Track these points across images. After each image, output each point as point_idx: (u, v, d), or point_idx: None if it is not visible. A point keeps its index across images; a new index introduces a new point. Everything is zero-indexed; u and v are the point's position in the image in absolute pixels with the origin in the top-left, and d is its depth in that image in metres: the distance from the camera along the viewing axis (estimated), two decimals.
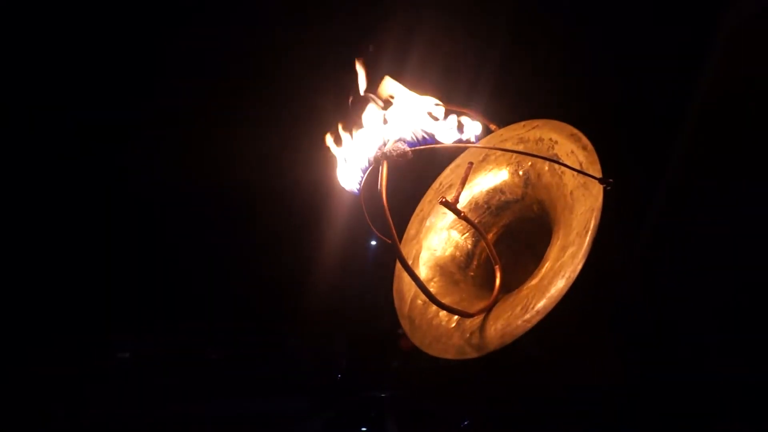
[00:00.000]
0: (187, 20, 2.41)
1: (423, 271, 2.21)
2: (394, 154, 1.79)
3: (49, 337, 2.42)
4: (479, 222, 2.24)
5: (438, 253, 2.23)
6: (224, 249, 2.60)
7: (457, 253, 2.22)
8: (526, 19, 2.37)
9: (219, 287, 2.62)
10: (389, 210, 2.33)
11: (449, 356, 1.84)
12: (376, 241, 2.20)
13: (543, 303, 1.68)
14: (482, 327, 1.84)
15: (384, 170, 1.79)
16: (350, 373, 2.56)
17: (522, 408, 2.03)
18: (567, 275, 1.65)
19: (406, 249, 2.29)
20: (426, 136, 1.86)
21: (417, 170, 2.44)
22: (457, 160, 2.33)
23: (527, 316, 1.69)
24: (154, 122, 2.49)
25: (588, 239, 1.65)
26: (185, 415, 2.39)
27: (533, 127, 2.09)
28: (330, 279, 2.56)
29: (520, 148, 2.11)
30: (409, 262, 2.31)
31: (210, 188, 2.58)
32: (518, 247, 2.21)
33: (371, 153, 1.87)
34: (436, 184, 2.35)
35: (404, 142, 1.82)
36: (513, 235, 2.22)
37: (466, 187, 2.28)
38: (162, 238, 2.56)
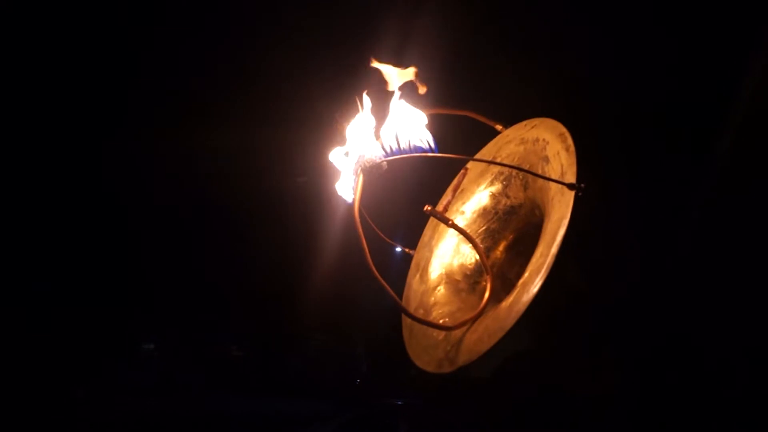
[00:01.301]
0: (184, 17, 2.50)
1: (431, 278, 2.17)
2: (368, 166, 1.78)
3: (74, 327, 2.64)
4: (488, 228, 2.15)
5: (446, 261, 2.17)
6: (251, 249, 2.70)
7: (466, 262, 2.14)
8: (554, 17, 2.23)
9: (244, 286, 2.72)
10: (399, 216, 2.32)
11: (430, 369, 1.79)
12: (401, 250, 2.19)
13: (509, 319, 1.58)
14: (461, 340, 1.77)
15: (359, 182, 1.79)
16: (370, 379, 2.56)
17: (537, 422, 1.93)
18: (530, 290, 1.55)
19: (418, 255, 2.26)
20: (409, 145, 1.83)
21: (439, 175, 2.40)
22: (468, 164, 2.26)
23: (494, 330, 1.61)
24: (176, 120, 2.62)
25: (552, 251, 1.53)
26: (206, 411, 2.53)
27: (532, 127, 1.97)
28: (355, 284, 2.58)
29: (521, 149, 2.00)
30: (419, 269, 2.31)
31: (235, 189, 2.69)
32: (530, 254, 2.09)
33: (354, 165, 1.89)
34: (449, 190, 2.30)
35: (382, 153, 1.81)
36: (524, 242, 2.09)
37: (476, 192, 2.20)
38: (188, 236, 2.69)
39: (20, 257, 2.67)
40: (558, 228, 1.55)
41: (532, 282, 1.55)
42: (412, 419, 2.53)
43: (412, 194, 2.58)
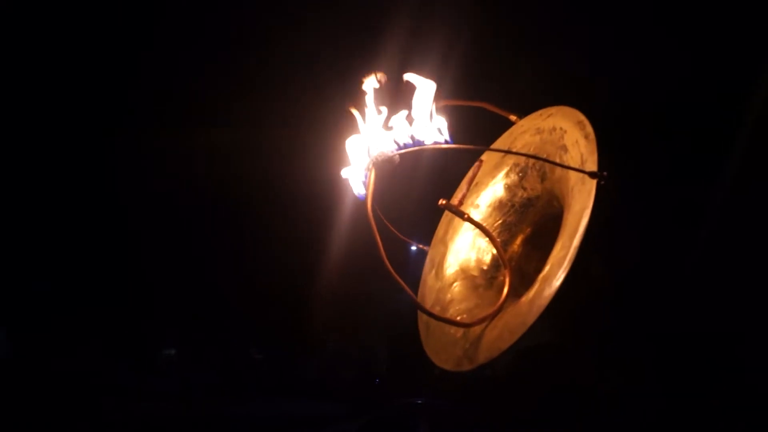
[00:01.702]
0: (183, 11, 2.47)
1: (446, 275, 2.11)
2: (380, 159, 1.73)
3: (94, 331, 2.62)
4: (504, 222, 2.10)
5: (462, 256, 2.11)
6: (264, 249, 2.66)
7: (483, 257, 2.09)
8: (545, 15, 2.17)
9: (263, 289, 2.68)
10: (411, 211, 2.27)
11: (448, 367, 1.74)
12: (416, 247, 2.13)
13: (530, 314, 1.53)
14: (480, 337, 1.71)
15: (371, 176, 1.73)
16: (390, 379, 2.52)
17: (556, 420, 1.87)
18: (552, 284, 1.49)
19: (433, 251, 2.21)
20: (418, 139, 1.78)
21: (449, 171, 2.34)
22: (483, 157, 2.20)
23: (515, 326, 1.56)
24: (178, 120, 2.59)
25: (575, 243, 1.47)
26: (225, 413, 2.49)
27: (548, 116, 1.91)
28: (371, 282, 2.54)
29: (537, 138, 1.94)
30: (435, 265, 2.25)
31: (251, 193, 2.65)
32: (548, 247, 2.03)
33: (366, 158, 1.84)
34: (463, 184, 2.24)
35: (395, 146, 1.76)
36: (542, 235, 2.03)
37: (490, 185, 2.14)
38: (203, 239, 2.66)
39: (20, 257, 2.65)
40: (580, 219, 1.49)
41: (554, 275, 1.49)
42: (432, 419, 2.49)
43: (425, 188, 2.53)
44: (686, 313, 1.70)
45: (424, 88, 1.72)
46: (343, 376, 2.63)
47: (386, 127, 1.74)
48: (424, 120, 1.69)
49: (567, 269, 1.45)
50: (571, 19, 2.15)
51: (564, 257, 1.49)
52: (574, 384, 1.68)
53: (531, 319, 1.49)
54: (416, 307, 1.76)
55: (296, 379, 2.67)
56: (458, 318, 1.88)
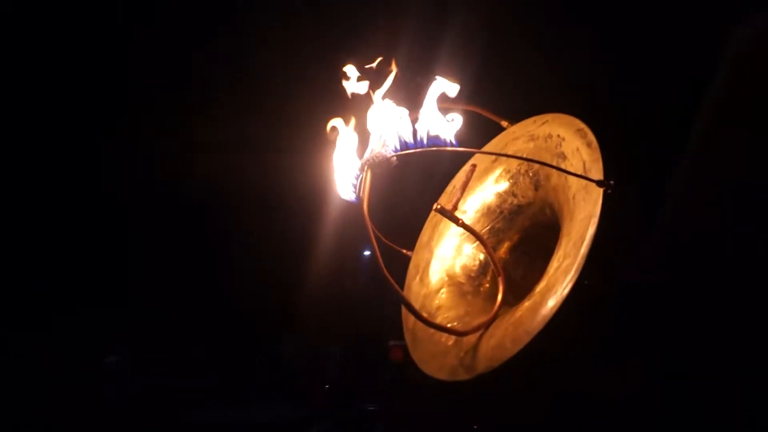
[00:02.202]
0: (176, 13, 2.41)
1: (432, 281, 2.07)
2: (377, 161, 1.67)
3: (40, 339, 2.52)
4: (492, 228, 2.07)
5: (448, 262, 2.07)
6: (220, 252, 2.60)
7: (469, 263, 2.05)
8: (546, 19, 2.18)
9: (213, 292, 2.62)
10: (404, 215, 2.22)
11: (442, 376, 1.69)
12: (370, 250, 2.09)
13: (534, 323, 1.50)
14: (476, 346, 1.67)
15: (367, 178, 1.68)
16: (341, 384, 2.48)
17: (523, 420, 1.85)
18: (558, 292, 1.47)
19: (417, 256, 2.16)
20: (415, 140, 1.74)
21: (430, 173, 2.31)
22: (473, 160, 2.17)
23: (518, 336, 1.53)
24: (175, 121, 2.52)
25: (582, 251, 1.46)
26: (173, 421, 2.42)
27: (543, 123, 1.89)
28: (327, 287, 2.50)
29: (530, 145, 1.93)
30: (419, 271, 2.21)
31: (207, 191, 2.59)
32: (536, 255, 2.02)
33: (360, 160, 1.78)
34: (449, 188, 2.19)
35: (391, 148, 1.70)
36: (530, 242, 2.02)
37: (478, 190, 2.12)
38: (154, 240, 2.59)
39: (20, 257, 2.51)
40: (586, 227, 1.48)
41: (560, 284, 1.47)
42: (387, 424, 2.44)
43: (406, 191, 2.49)
44: (686, 314, 1.71)
45: (435, 88, 1.67)
46: (299, 381, 2.57)
47: (385, 127, 1.68)
48: (428, 120, 1.64)
49: (575, 278, 1.43)
50: (570, 19, 2.15)
51: (570, 265, 1.47)
52: (575, 390, 1.66)
53: (535, 328, 1.46)
54: (413, 315, 1.69)
55: (247, 384, 2.60)
56: (449, 326, 1.84)
